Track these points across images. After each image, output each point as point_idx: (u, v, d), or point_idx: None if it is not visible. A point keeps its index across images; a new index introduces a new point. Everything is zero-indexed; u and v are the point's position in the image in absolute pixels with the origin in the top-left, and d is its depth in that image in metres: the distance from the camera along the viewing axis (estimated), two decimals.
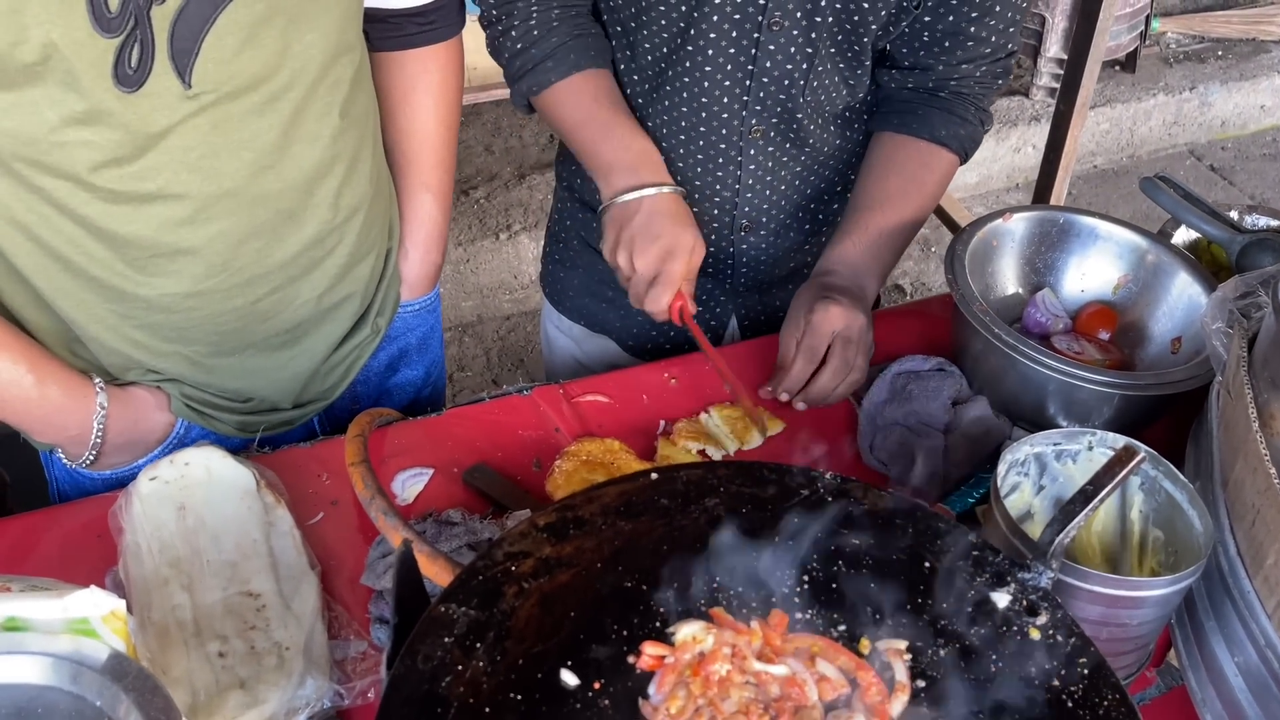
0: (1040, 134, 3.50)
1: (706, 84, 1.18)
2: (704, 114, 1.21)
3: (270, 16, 0.92)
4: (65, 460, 1.10)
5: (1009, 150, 3.52)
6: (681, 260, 1.14)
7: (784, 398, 1.14)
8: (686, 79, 1.19)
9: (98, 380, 1.06)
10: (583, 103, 1.20)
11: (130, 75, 0.88)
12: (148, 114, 0.91)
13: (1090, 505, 0.73)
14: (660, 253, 1.13)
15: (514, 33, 1.19)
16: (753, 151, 1.23)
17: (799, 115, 1.21)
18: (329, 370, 1.20)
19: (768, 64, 1.16)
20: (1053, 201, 2.56)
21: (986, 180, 3.55)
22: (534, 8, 1.17)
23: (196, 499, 1.00)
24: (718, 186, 1.27)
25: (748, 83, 1.18)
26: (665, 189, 1.17)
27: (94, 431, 1.06)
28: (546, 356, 1.55)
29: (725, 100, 1.19)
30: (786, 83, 1.18)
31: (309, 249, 1.08)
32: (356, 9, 1.04)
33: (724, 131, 1.22)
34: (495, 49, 1.23)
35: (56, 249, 0.97)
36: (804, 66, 1.17)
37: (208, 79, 0.91)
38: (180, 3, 0.87)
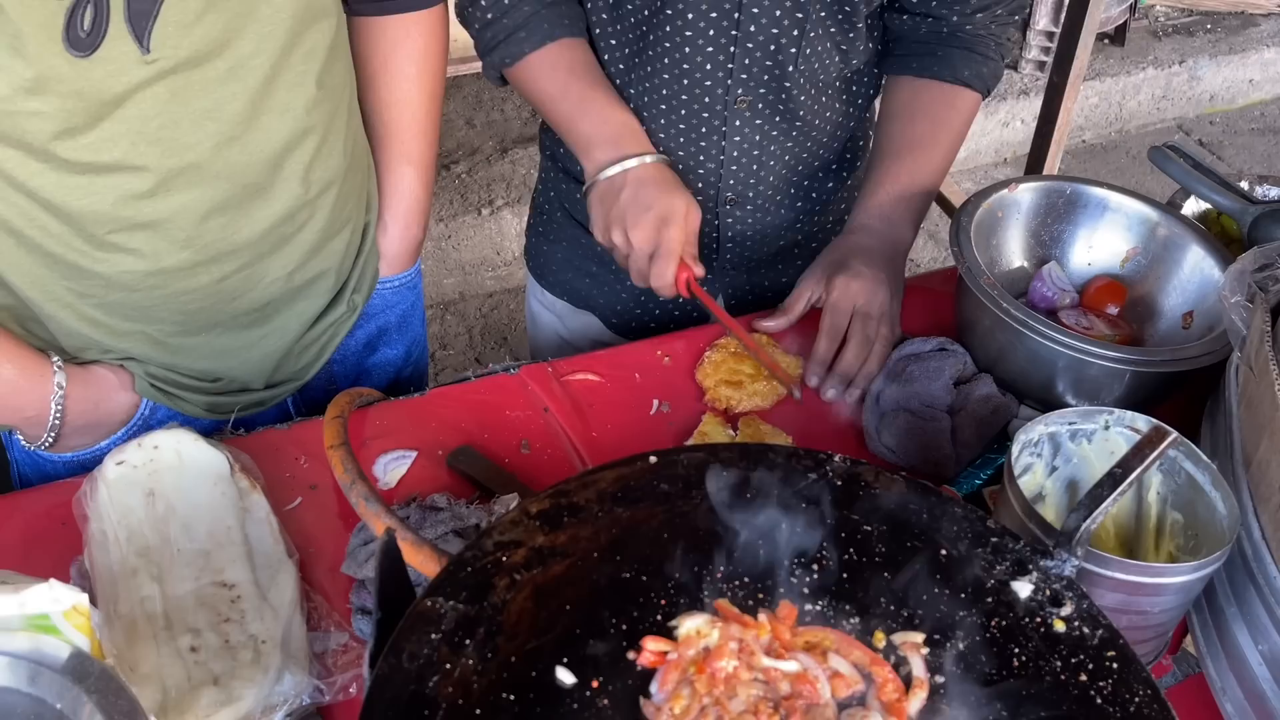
0: (1029, 108, 3.46)
1: (688, 50, 1.13)
2: (686, 82, 1.15)
3: None
4: (24, 442, 1.04)
5: (997, 125, 3.48)
6: (677, 226, 1.09)
7: (814, 382, 1.10)
8: (667, 44, 1.13)
9: (56, 359, 1.00)
10: (558, 75, 1.14)
11: (83, 38, 0.82)
12: (102, 80, 0.85)
13: (1119, 489, 0.69)
14: (654, 222, 1.09)
15: (484, 1, 1.13)
16: (738, 123, 1.18)
17: (788, 85, 1.16)
18: (302, 349, 1.14)
19: (752, 28, 1.11)
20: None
21: (974, 155, 3.51)
22: None
23: (166, 484, 0.95)
24: (701, 158, 1.21)
25: (732, 49, 1.12)
26: (649, 158, 1.12)
27: (52, 412, 1.00)
28: (531, 333, 1.50)
29: (708, 68, 1.14)
30: (773, 48, 1.12)
31: (278, 225, 1.02)
32: None
33: (707, 100, 1.16)
34: (465, 18, 1.16)
35: (9, 222, 0.92)
36: (794, 33, 1.11)
37: (167, 43, 0.86)
38: None
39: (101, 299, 0.98)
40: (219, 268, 1.01)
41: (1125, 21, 3.56)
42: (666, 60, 1.14)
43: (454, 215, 2.92)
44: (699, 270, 1.11)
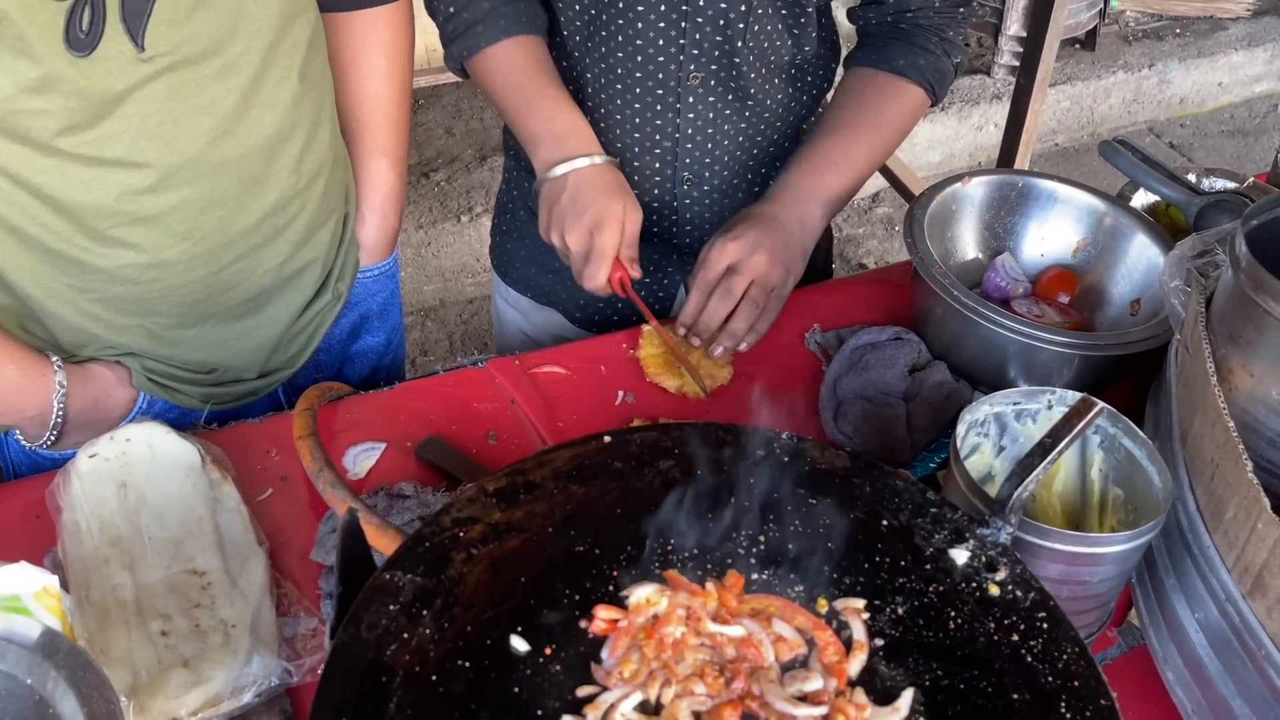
0: (1002, 112, 3.50)
1: (641, 25, 1.15)
2: (640, 58, 1.17)
3: None
4: (23, 442, 1.06)
5: (971, 129, 3.53)
6: (611, 230, 1.10)
7: (681, 332, 1.14)
8: (621, 20, 1.16)
9: (55, 358, 1.02)
10: (511, 71, 1.17)
11: (82, 39, 0.85)
12: (102, 79, 0.88)
13: (1048, 458, 0.71)
14: (588, 225, 1.10)
15: None
16: (691, 99, 1.20)
17: (738, 62, 1.18)
18: (292, 338, 1.17)
19: (701, 3, 1.13)
20: None
21: (949, 159, 3.56)
22: None
23: (138, 476, 0.97)
24: (657, 137, 1.23)
25: (683, 24, 1.15)
26: (596, 159, 1.14)
27: (54, 411, 1.02)
28: (497, 330, 1.52)
29: (661, 43, 1.16)
30: (723, 23, 1.15)
31: (272, 215, 1.06)
32: None
33: (661, 76, 1.19)
34: (431, 9, 1.19)
35: (11, 221, 0.94)
36: (741, 8, 1.14)
37: (161, 41, 0.89)
38: None
39: (102, 294, 1.00)
40: (216, 259, 1.04)
41: (1095, 26, 3.62)
42: (620, 37, 1.17)
43: (434, 222, 2.95)
44: (635, 273, 1.13)
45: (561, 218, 1.12)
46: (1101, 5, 3.53)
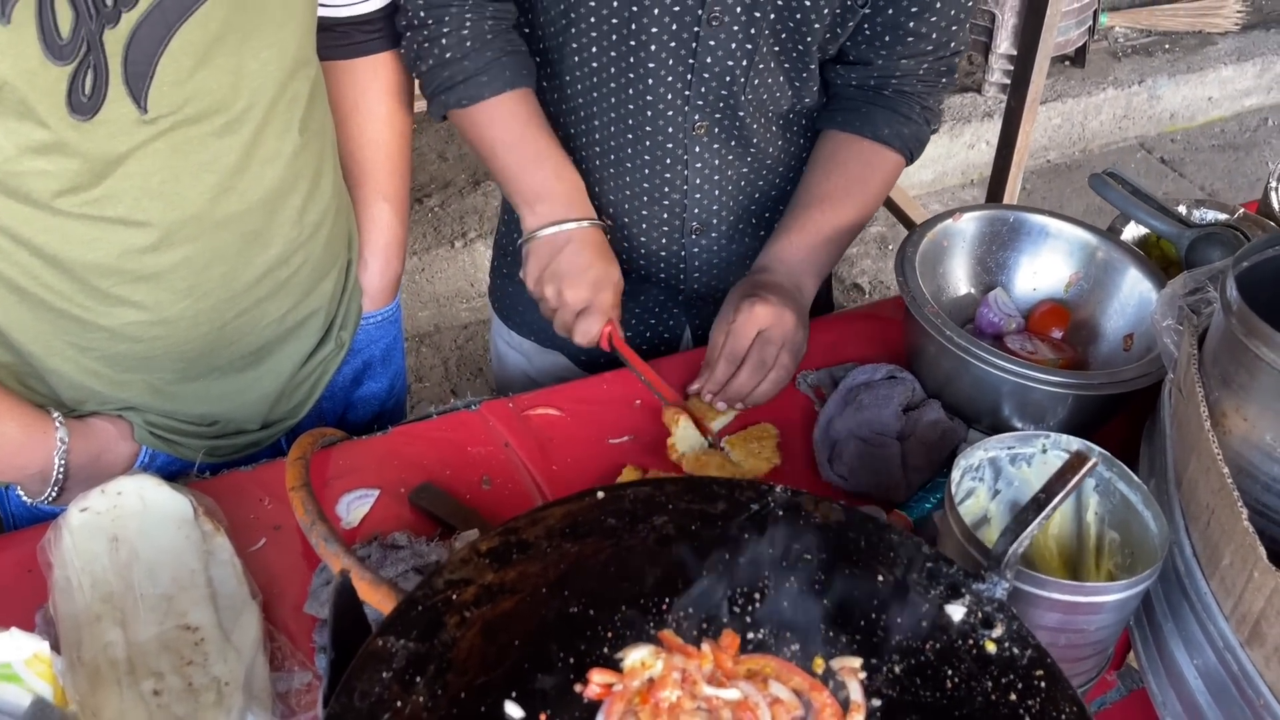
0: (993, 130, 3.52)
1: (650, 80, 1.16)
2: (649, 112, 1.19)
3: (224, 35, 0.89)
4: (25, 498, 1.05)
5: (963, 147, 3.54)
6: (610, 290, 1.17)
7: (707, 397, 1.14)
8: (630, 75, 1.16)
9: (56, 414, 1.02)
10: (515, 124, 1.18)
11: (84, 103, 0.85)
12: (104, 141, 0.88)
13: (1043, 513, 0.71)
14: (591, 283, 1.16)
15: (444, 40, 1.14)
16: (698, 149, 1.21)
17: (741, 113, 1.19)
18: (295, 388, 1.17)
19: (708, 59, 1.14)
20: (1006, 197, 2.57)
21: (941, 177, 3.57)
22: (468, 17, 1.14)
23: (130, 530, 0.96)
24: (666, 189, 1.25)
25: (689, 77, 1.16)
26: (588, 223, 1.18)
27: (56, 468, 1.02)
28: (497, 373, 1.52)
29: (669, 97, 1.17)
30: (728, 79, 1.16)
31: (275, 269, 1.05)
32: (311, 22, 1.02)
33: (669, 130, 1.20)
34: (418, 54, 1.16)
35: (12, 280, 0.94)
36: (744, 63, 1.15)
37: (164, 102, 0.89)
38: (133, 25, 0.84)
39: (104, 351, 1.00)
40: (220, 315, 1.03)
41: (1085, 43, 3.63)
42: (630, 90, 1.18)
43: (428, 248, 2.95)
44: (619, 333, 1.18)
45: (560, 272, 1.16)
46: (1091, 22, 3.54)
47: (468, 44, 1.14)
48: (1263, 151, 3.82)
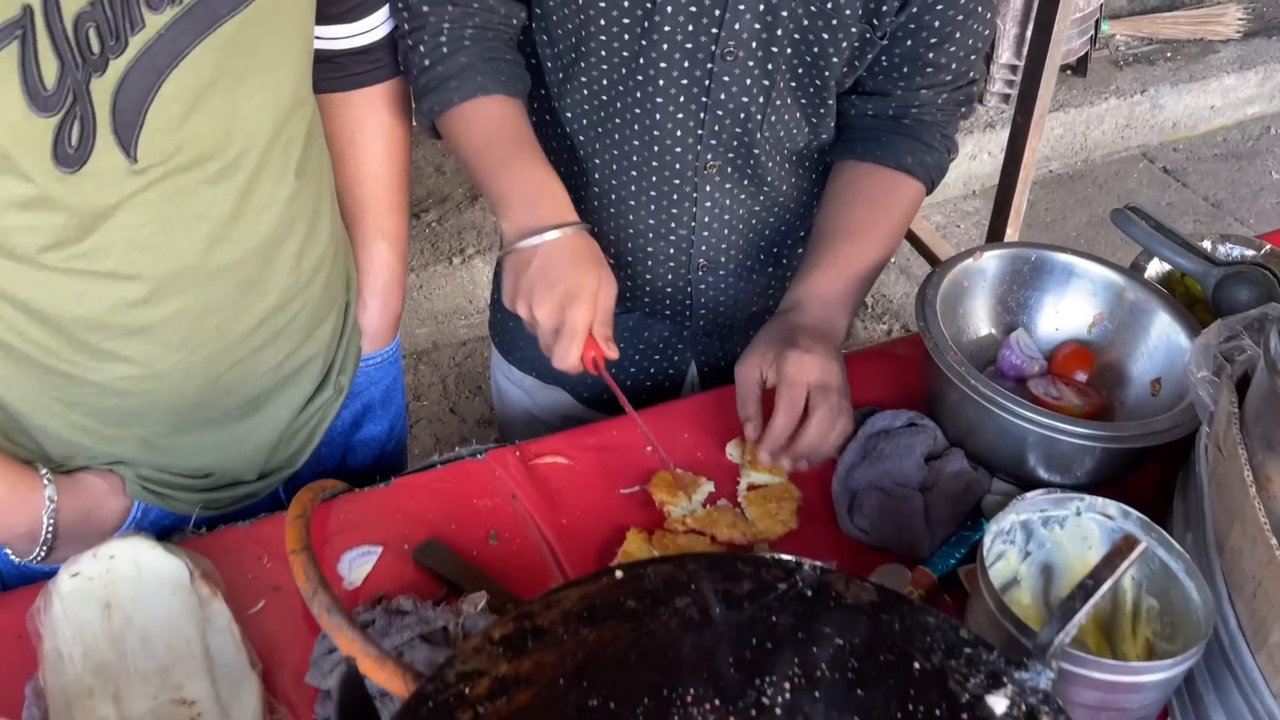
0: (995, 140, 3.49)
1: (659, 116, 1.12)
2: (657, 148, 1.14)
3: (217, 80, 0.85)
4: (13, 557, 1.01)
5: (964, 158, 3.50)
6: (583, 305, 1.00)
7: (766, 459, 1.03)
8: (638, 110, 1.12)
9: (44, 471, 0.98)
10: (482, 129, 1.08)
11: (71, 154, 0.81)
12: (92, 193, 0.83)
13: (1090, 600, 0.67)
14: (560, 299, 0.99)
15: (422, 48, 1.08)
16: (708, 188, 1.18)
17: (756, 151, 1.15)
18: (292, 436, 1.13)
19: (722, 96, 1.10)
20: (1013, 215, 2.53)
21: (943, 188, 3.53)
22: (445, 23, 1.07)
23: (123, 596, 0.92)
24: (674, 225, 1.21)
25: (701, 115, 1.12)
26: (569, 229, 1.03)
27: (44, 527, 0.97)
28: (498, 410, 1.47)
29: (679, 134, 1.13)
30: (743, 116, 1.12)
31: (271, 316, 1.01)
32: (306, 62, 0.97)
33: (678, 167, 1.16)
34: (406, 64, 1.11)
35: None
36: (760, 100, 1.11)
37: (154, 151, 0.84)
38: (121, 73, 0.80)
39: (94, 406, 0.96)
40: (214, 366, 0.99)
41: (1087, 53, 3.60)
42: (637, 126, 1.13)
43: (425, 265, 2.91)
44: (611, 353, 1.03)
45: (530, 289, 1.01)
46: (1093, 31, 3.51)
47: (443, 49, 1.08)
48: (1265, 160, 3.79)
